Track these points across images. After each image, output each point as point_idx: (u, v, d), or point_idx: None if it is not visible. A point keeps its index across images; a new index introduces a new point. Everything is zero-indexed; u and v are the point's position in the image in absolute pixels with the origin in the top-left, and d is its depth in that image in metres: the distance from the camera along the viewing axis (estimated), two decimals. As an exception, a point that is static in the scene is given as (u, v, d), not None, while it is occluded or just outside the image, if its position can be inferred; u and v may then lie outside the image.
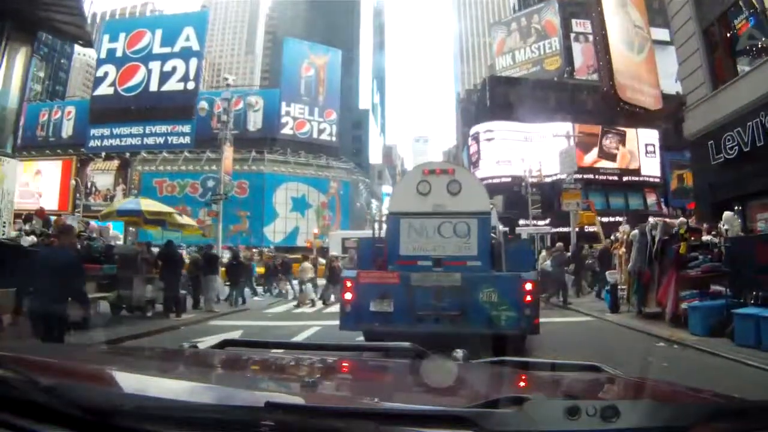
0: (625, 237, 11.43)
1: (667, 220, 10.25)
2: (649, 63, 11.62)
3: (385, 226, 7.65)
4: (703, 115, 12.93)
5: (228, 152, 16.37)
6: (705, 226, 9.83)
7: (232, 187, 18.26)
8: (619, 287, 11.35)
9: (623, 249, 11.37)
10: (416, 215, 6.64)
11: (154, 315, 10.25)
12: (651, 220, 10.02)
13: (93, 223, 13.50)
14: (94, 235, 10.90)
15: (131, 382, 1.31)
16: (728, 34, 12.48)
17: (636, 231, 10.34)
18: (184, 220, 11.59)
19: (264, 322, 11.38)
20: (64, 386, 1.06)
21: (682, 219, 10.22)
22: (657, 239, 9.41)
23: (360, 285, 6.26)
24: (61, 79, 74.54)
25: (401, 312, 6.08)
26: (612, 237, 14.33)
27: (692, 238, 9.18)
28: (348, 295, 6.32)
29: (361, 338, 6.64)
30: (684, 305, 8.62)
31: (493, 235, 7.02)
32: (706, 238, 9.38)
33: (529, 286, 6.04)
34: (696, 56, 13.08)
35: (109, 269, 9.32)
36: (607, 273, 12.49)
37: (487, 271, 6.46)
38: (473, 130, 44.65)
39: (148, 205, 11.46)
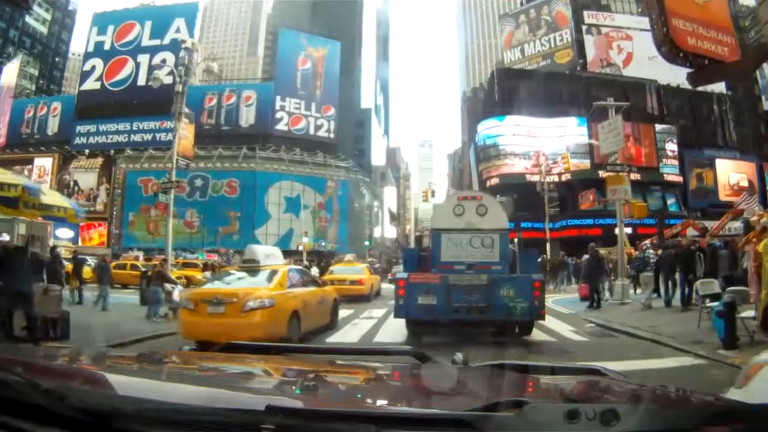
0: None
1: None
2: (720, 2, 8.81)
3: (427, 240, 9.73)
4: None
5: (185, 131, 13.43)
6: None
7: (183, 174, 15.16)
8: (739, 307, 7.15)
9: (765, 243, 7.12)
10: (453, 231, 8.31)
11: (14, 340, 6.84)
12: None
13: None
14: None
15: (132, 384, 1.31)
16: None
17: None
18: (51, 199, 6.92)
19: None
20: (65, 389, 1.08)
21: None
22: None
23: (410, 284, 7.93)
24: (56, 78, 72.92)
25: (441, 304, 7.71)
26: (739, 223, 10.59)
27: None
28: (401, 291, 7.97)
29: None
30: None
31: (510, 247, 8.89)
32: None
33: (537, 285, 7.83)
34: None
35: None
36: (699, 282, 9.12)
37: (506, 273, 8.17)
38: (481, 126, 42.07)
39: None
